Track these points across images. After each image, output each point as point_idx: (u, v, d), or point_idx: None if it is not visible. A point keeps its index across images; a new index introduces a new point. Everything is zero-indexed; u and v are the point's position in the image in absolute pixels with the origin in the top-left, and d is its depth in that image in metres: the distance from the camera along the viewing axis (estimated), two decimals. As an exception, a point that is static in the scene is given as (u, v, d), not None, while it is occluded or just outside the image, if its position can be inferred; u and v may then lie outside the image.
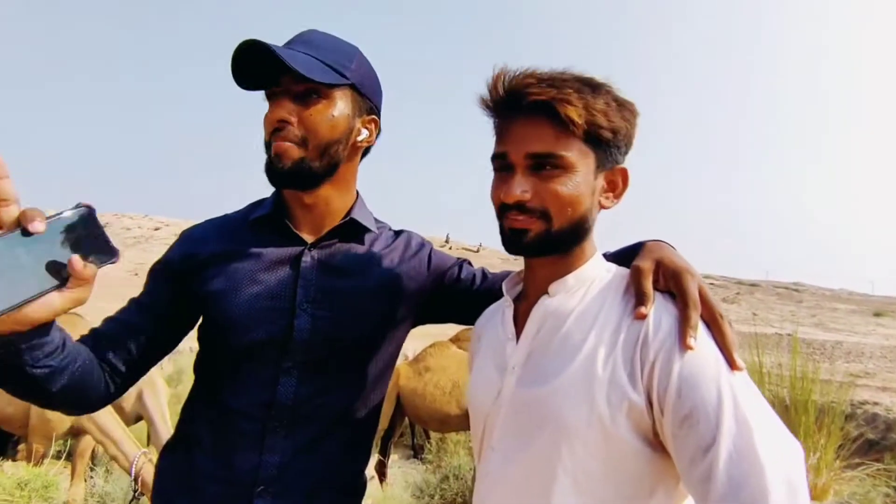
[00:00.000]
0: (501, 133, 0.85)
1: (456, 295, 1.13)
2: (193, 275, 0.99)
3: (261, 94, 0.97)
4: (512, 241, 0.83)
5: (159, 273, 1.02)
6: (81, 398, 0.87)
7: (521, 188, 0.80)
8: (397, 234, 1.15)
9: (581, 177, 0.81)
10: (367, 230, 1.07)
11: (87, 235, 0.64)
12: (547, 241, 0.82)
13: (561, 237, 0.82)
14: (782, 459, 0.65)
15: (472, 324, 1.11)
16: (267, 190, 1.04)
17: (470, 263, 1.19)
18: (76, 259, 0.62)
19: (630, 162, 0.89)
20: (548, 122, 0.79)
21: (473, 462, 4.18)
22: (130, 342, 0.95)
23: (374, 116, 1.04)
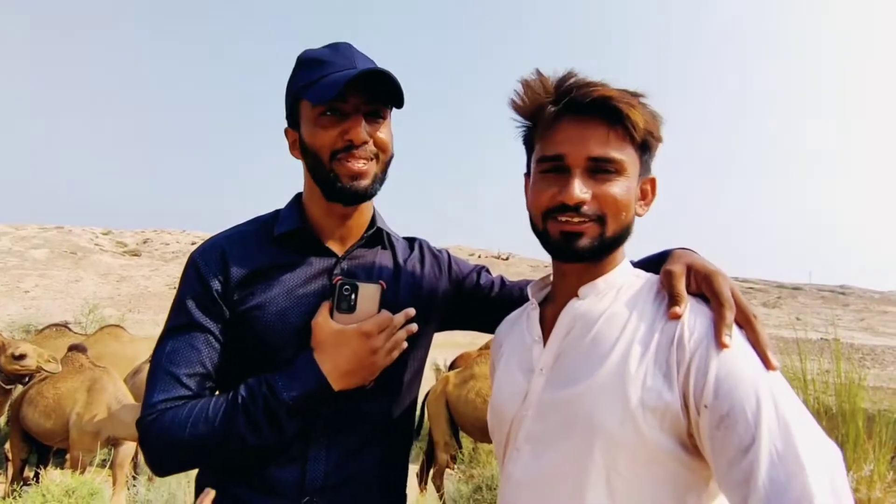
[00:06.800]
0: (550, 135, 0.83)
1: (475, 300, 1.15)
2: (228, 296, 0.98)
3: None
4: (564, 244, 0.82)
5: (201, 302, 0.98)
6: None
7: (582, 190, 0.80)
8: (410, 241, 1.18)
9: (632, 182, 0.82)
10: (390, 238, 1.11)
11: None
12: (600, 247, 0.82)
13: (613, 243, 0.83)
14: (824, 462, 0.64)
15: (491, 331, 1.11)
16: (277, 197, 1.08)
17: (489, 271, 1.21)
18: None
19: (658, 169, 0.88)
20: (605, 126, 0.80)
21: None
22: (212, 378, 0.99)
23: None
